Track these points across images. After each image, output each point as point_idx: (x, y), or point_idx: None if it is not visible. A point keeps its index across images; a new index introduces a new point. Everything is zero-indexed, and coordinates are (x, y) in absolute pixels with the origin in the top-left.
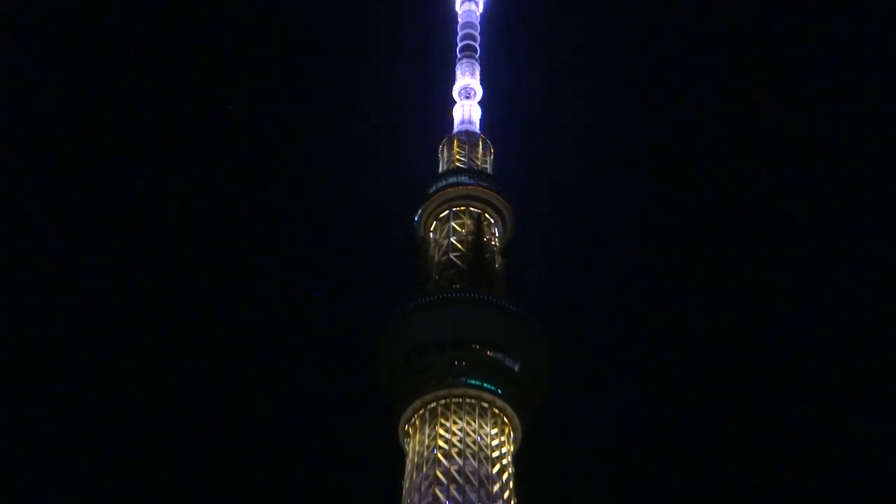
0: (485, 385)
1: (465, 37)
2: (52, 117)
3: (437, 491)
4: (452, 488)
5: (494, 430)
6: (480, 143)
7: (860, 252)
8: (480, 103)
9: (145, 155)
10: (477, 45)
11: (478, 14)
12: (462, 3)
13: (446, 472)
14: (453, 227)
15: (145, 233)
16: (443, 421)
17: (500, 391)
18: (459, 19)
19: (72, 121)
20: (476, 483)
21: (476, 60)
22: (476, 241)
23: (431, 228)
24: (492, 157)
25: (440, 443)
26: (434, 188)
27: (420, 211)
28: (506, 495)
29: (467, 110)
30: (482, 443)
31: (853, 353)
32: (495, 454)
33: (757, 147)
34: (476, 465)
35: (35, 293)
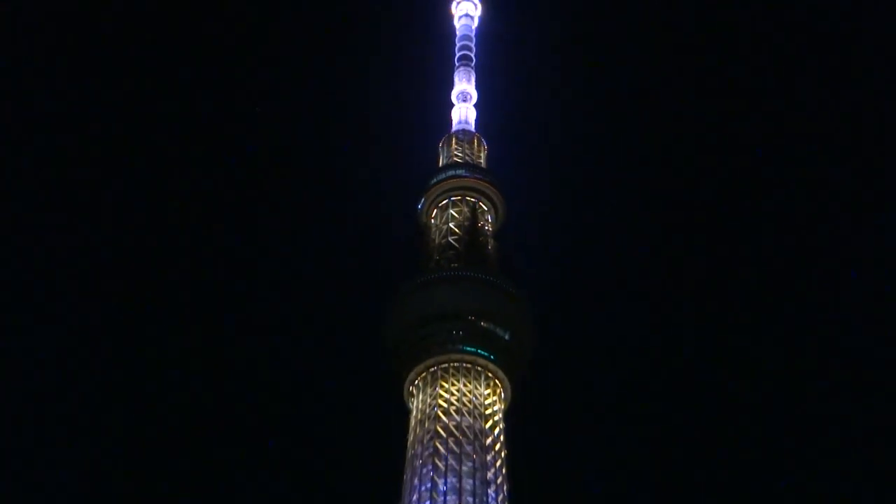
0: (479, 351)
1: (462, 48)
2: (53, 118)
3: (438, 443)
4: (451, 441)
5: (487, 391)
6: (475, 140)
7: (847, 230)
8: (476, 106)
9: (160, 145)
10: (472, 55)
11: (473, 28)
12: (460, 18)
13: (445, 427)
14: (452, 214)
15: (163, 208)
16: (442, 383)
17: (492, 357)
18: (457, 32)
19: (74, 120)
20: (471, 436)
21: (471, 68)
22: (471, 226)
23: (433, 215)
24: (485, 153)
25: (440, 401)
26: (435, 180)
27: (423, 200)
28: (497, 447)
29: (464, 112)
30: (476, 401)
31: (844, 321)
32: (488, 411)
33: (740, 139)
34: (471, 420)
35: (43, 293)
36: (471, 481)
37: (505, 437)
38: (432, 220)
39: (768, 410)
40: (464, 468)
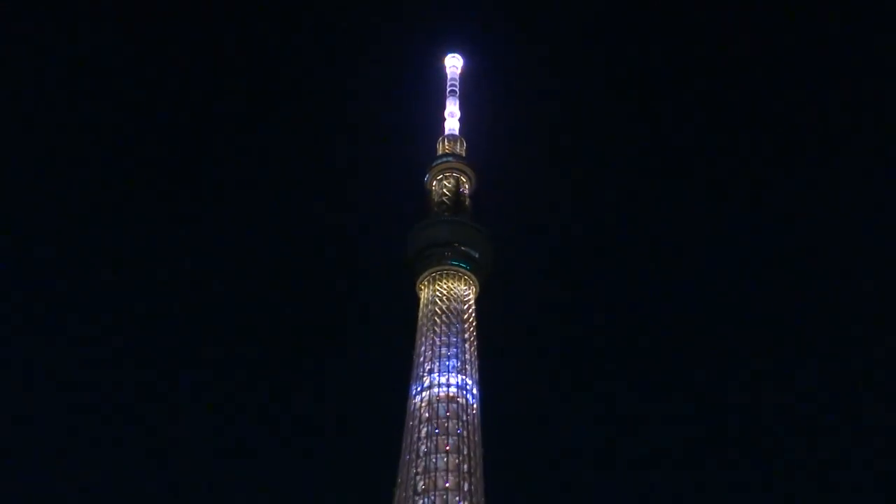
0: (460, 264)
1: (450, 85)
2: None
3: (436, 318)
4: (443, 316)
5: (465, 287)
6: (459, 140)
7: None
8: (459, 119)
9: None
10: (457, 90)
11: (458, 73)
12: (449, 67)
13: (440, 308)
14: (444, 184)
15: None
16: (439, 282)
17: (468, 267)
18: (448, 74)
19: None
20: (455, 314)
21: (456, 97)
22: (456, 191)
23: (433, 184)
24: (465, 147)
25: (437, 293)
26: (435, 163)
27: (427, 175)
28: (470, 320)
29: (452, 123)
30: (458, 293)
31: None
32: (465, 298)
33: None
34: (456, 304)
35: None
36: (455, 339)
37: (475, 314)
38: (433, 187)
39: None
40: (451, 331)
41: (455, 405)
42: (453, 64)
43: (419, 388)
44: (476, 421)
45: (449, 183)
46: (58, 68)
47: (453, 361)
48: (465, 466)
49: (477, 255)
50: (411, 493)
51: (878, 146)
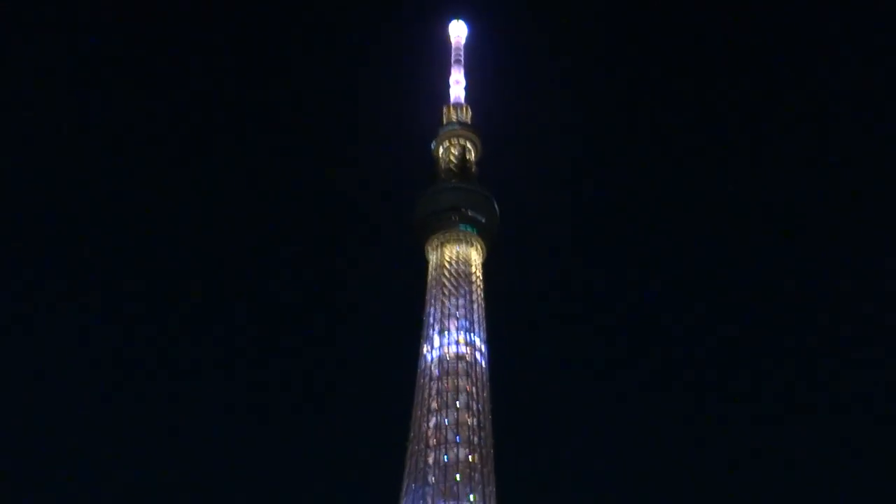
0: (467, 228)
1: (456, 52)
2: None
3: (444, 280)
4: (451, 278)
5: (472, 250)
6: (464, 108)
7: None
8: (464, 88)
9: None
10: (461, 58)
11: (462, 41)
12: (454, 35)
13: (448, 270)
14: (451, 151)
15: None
16: (447, 246)
17: (475, 231)
18: (452, 43)
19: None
20: (463, 276)
21: (461, 65)
22: (462, 157)
23: (440, 152)
24: (470, 115)
25: (445, 257)
26: (441, 130)
27: (434, 142)
28: (477, 281)
29: (457, 91)
30: (466, 256)
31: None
32: (472, 261)
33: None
34: (463, 267)
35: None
36: (462, 300)
37: (482, 276)
38: (440, 154)
39: None
40: (458, 292)
41: (464, 363)
42: (458, 31)
43: (429, 348)
44: (484, 378)
45: (455, 150)
46: (58, 68)
47: (462, 322)
48: (475, 421)
49: (483, 220)
50: (423, 446)
51: (878, 145)
